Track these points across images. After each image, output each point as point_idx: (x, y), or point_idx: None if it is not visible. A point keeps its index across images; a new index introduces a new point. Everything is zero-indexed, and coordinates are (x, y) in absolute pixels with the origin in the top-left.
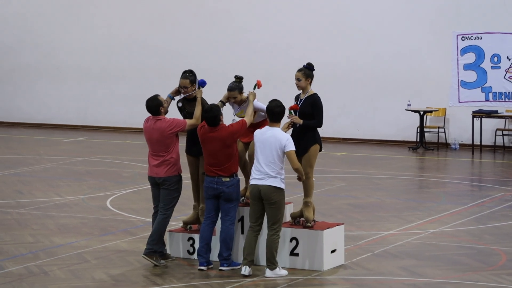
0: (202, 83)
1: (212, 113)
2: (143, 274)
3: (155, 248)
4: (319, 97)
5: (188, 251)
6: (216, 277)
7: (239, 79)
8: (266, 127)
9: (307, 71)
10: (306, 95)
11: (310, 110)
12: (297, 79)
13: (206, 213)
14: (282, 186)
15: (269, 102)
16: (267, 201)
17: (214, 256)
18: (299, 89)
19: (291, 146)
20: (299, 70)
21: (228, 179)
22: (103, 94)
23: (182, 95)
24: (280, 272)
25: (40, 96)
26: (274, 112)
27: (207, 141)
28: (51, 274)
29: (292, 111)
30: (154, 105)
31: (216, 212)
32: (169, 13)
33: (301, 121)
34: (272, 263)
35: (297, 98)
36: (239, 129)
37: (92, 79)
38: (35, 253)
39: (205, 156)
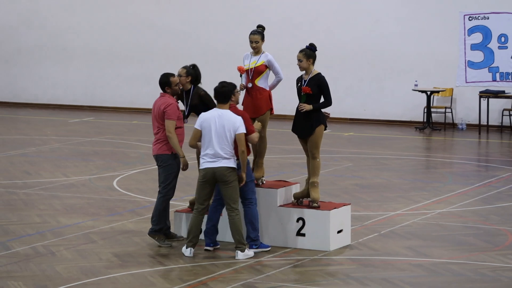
0: None
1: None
2: (149, 254)
3: (156, 228)
4: (323, 76)
5: None
6: (222, 257)
7: (262, 28)
8: (215, 109)
9: (309, 51)
10: (310, 76)
11: (317, 90)
12: (299, 60)
13: (214, 195)
14: (235, 165)
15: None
16: (223, 182)
17: (219, 237)
18: (301, 70)
19: (242, 129)
20: (301, 51)
21: (238, 160)
22: (110, 75)
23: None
24: (249, 252)
25: (46, 77)
26: (220, 93)
27: None
28: (58, 254)
29: (304, 94)
30: (162, 82)
31: None
32: None
33: (311, 107)
34: (242, 244)
35: (300, 79)
36: (247, 119)
37: (99, 60)
38: (42, 234)
39: None
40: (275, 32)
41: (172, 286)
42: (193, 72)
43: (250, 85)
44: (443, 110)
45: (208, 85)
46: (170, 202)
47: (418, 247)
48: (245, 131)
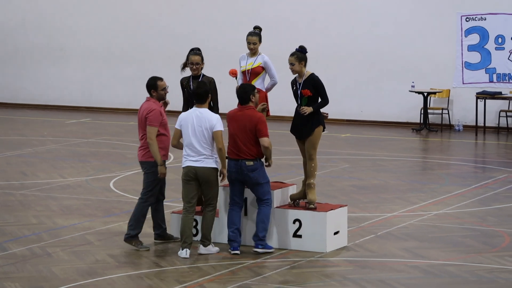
0: None
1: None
2: (146, 255)
3: (133, 233)
4: (317, 76)
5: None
6: (219, 259)
7: (259, 29)
8: (194, 108)
9: (300, 54)
10: (304, 78)
11: (313, 91)
12: (291, 64)
13: (231, 198)
14: (216, 165)
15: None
16: (206, 181)
17: (218, 238)
18: (294, 74)
19: (219, 127)
20: (292, 55)
21: (252, 163)
22: (107, 76)
23: (190, 74)
24: (213, 249)
25: (44, 78)
26: (196, 94)
27: (233, 120)
28: (54, 255)
29: (306, 97)
30: (149, 85)
31: (241, 195)
32: None
33: (311, 109)
34: (207, 239)
35: (294, 82)
36: (264, 122)
37: (97, 61)
38: (38, 235)
39: (229, 138)
40: (272, 33)
41: None
42: (202, 55)
43: None
44: (440, 111)
45: None
46: (166, 203)
47: (415, 249)
48: (222, 129)
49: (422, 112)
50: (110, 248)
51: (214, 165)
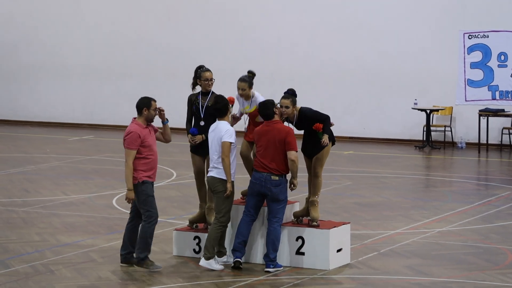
0: (193, 132)
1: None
2: (149, 273)
3: (142, 256)
4: (305, 108)
5: (194, 250)
6: (222, 276)
7: (251, 74)
8: (216, 121)
9: (294, 98)
10: (296, 119)
11: (311, 123)
12: (285, 107)
13: (246, 209)
14: (224, 177)
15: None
16: (213, 191)
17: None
18: (285, 115)
19: (226, 138)
20: (286, 98)
21: (277, 178)
22: (109, 93)
23: (197, 91)
24: (215, 265)
25: (46, 95)
26: (216, 109)
27: (262, 135)
28: (57, 272)
29: (319, 132)
30: (143, 102)
31: (257, 209)
32: (175, 11)
33: (327, 136)
34: (208, 252)
35: (288, 120)
36: (293, 135)
37: (98, 77)
38: (41, 252)
39: (257, 150)
40: (274, 50)
41: None
42: None
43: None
44: (442, 128)
45: None
46: (169, 221)
47: (418, 266)
48: (230, 140)
49: (424, 129)
50: (113, 266)
51: (221, 176)
